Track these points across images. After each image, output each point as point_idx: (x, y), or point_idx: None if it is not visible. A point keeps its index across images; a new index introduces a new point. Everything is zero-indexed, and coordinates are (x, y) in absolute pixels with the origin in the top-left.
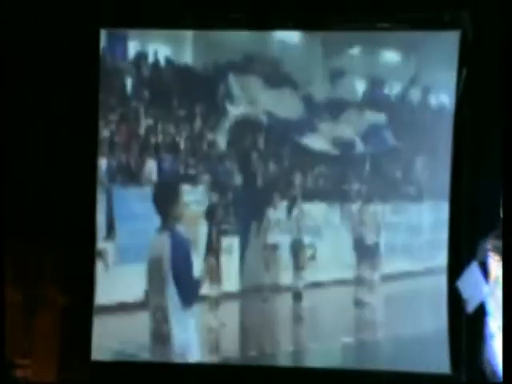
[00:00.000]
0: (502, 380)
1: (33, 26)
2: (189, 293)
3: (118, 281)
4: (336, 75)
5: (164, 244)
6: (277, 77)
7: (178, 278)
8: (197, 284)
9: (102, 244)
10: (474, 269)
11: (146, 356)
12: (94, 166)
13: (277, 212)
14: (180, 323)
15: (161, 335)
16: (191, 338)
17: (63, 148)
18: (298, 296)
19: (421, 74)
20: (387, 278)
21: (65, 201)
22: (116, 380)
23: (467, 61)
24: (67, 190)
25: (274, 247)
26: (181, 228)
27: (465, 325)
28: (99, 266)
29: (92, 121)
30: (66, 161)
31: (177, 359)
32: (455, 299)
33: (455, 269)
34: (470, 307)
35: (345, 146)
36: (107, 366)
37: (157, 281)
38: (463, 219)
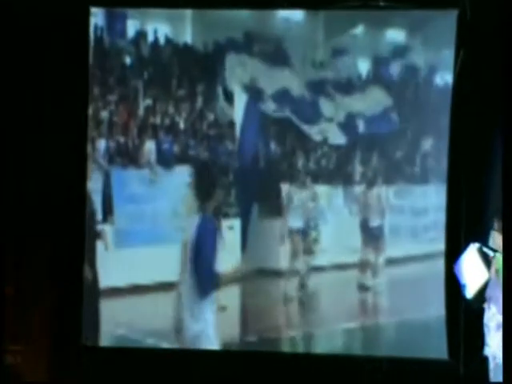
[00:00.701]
0: (502, 380)
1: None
2: (207, 282)
3: (118, 264)
4: (338, 54)
5: (191, 227)
6: (278, 56)
7: (198, 264)
8: (216, 275)
9: (99, 226)
10: (471, 252)
11: (149, 342)
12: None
13: (280, 194)
14: (194, 312)
15: (176, 322)
16: (203, 329)
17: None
18: (301, 280)
19: (424, 52)
20: (391, 261)
21: (55, 192)
22: (113, 367)
23: (466, 41)
24: (58, 179)
25: (275, 230)
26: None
27: (463, 311)
28: (99, 248)
29: (83, 103)
30: (56, 151)
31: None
32: (454, 284)
33: (455, 253)
34: (469, 293)
35: (348, 127)
36: (100, 351)
37: (182, 265)
38: (462, 202)
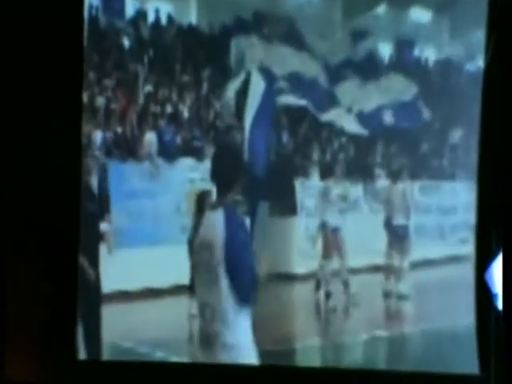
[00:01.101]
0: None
1: None
2: (246, 288)
3: (115, 267)
4: (358, 37)
5: (216, 224)
6: (291, 38)
7: (233, 269)
8: (255, 277)
9: (102, 226)
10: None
11: (160, 355)
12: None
13: (293, 191)
14: (229, 323)
15: (207, 336)
16: (243, 340)
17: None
18: (319, 285)
19: (453, 35)
20: (417, 265)
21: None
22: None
23: (498, 23)
24: (50, 173)
25: (289, 230)
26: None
27: (494, 320)
28: (102, 250)
29: (76, 89)
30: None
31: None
32: (485, 292)
33: (486, 257)
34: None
35: (370, 119)
36: (100, 366)
37: (205, 272)
38: (494, 200)
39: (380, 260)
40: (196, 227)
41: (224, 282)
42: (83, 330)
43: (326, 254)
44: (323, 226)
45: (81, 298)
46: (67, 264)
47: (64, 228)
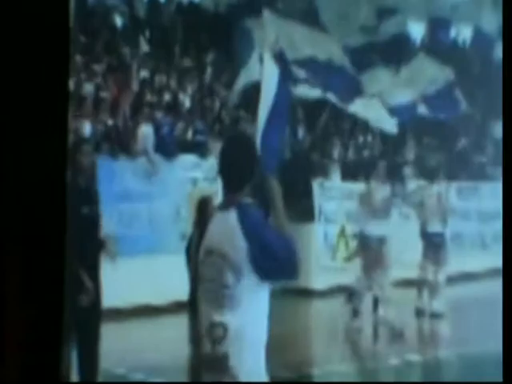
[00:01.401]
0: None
1: None
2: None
3: (108, 281)
4: (385, 15)
5: (230, 227)
6: (308, 16)
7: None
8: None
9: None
10: None
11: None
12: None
13: (311, 193)
14: (246, 344)
15: (212, 360)
16: (255, 364)
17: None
18: (350, 299)
19: (496, 13)
20: (453, 279)
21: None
22: None
23: None
24: (31, 171)
25: (308, 237)
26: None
27: None
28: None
29: (61, 74)
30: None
31: None
32: None
33: None
34: None
35: (399, 109)
36: None
37: (215, 284)
38: None
39: (412, 273)
40: (199, 234)
41: (249, 288)
42: (78, 351)
43: (367, 268)
44: (362, 236)
45: (73, 315)
46: (52, 275)
47: (48, 236)
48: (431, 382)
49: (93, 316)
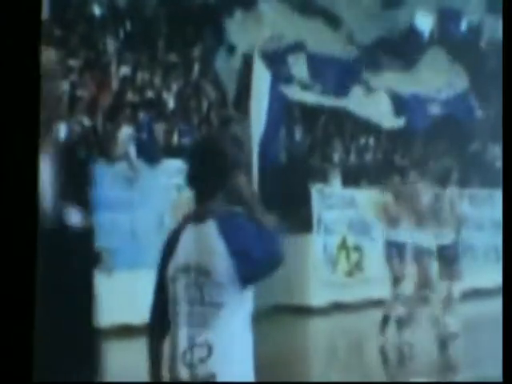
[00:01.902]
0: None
1: None
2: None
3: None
4: (392, 5)
5: (210, 240)
6: (308, 6)
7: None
8: None
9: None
10: None
11: None
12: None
13: (308, 200)
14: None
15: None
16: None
17: None
18: (386, 322)
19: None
20: (469, 294)
21: None
22: None
23: None
24: None
25: (305, 248)
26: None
27: None
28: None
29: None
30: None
31: None
32: None
33: None
34: None
35: (405, 106)
36: None
37: (195, 304)
38: None
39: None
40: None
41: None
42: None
43: (419, 284)
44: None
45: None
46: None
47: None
48: (431, 382)
49: (91, 337)
